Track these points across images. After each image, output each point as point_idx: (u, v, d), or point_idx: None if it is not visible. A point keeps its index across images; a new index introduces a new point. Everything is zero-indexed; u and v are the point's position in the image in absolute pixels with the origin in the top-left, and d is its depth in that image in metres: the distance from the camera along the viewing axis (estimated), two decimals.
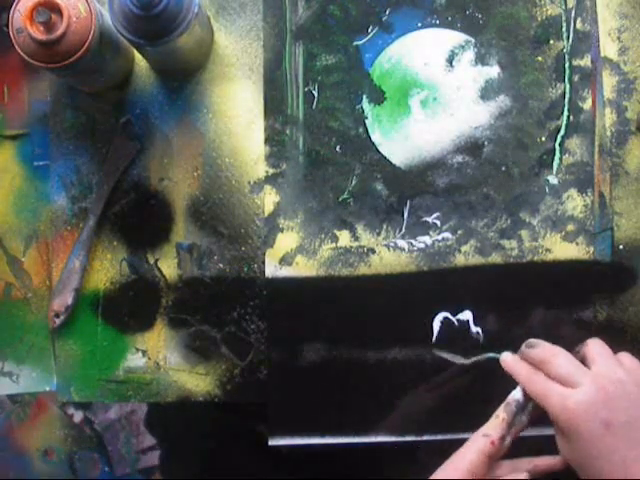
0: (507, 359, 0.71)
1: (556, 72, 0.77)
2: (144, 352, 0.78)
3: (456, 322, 0.77)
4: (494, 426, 0.69)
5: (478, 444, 0.68)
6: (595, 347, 0.68)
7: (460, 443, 0.76)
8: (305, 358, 0.77)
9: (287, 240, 0.77)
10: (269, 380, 0.77)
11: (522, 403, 0.69)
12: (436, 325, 0.77)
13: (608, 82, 0.77)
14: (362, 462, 0.77)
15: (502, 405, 0.69)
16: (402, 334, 0.77)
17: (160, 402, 0.78)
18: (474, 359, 0.76)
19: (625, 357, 0.68)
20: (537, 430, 0.76)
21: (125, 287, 0.78)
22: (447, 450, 0.74)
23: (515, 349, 0.76)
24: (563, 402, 0.65)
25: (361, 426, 0.77)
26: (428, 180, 0.77)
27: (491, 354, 0.75)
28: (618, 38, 0.77)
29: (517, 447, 0.76)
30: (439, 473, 0.67)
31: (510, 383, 0.70)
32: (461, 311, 0.77)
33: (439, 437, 0.75)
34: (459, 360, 0.76)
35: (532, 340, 0.70)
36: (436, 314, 0.77)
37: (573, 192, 0.77)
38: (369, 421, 0.77)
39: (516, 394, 0.70)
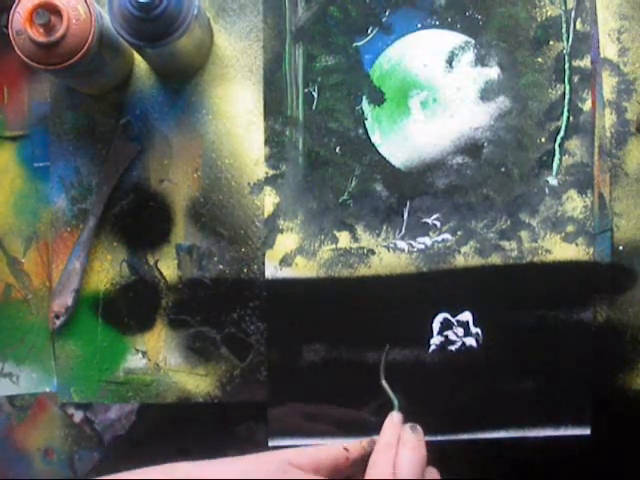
0: (394, 419, 0.73)
1: (556, 73, 0.77)
2: (144, 353, 0.78)
3: (456, 323, 0.77)
4: (355, 448, 0.71)
5: (336, 451, 0.70)
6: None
7: (460, 445, 0.76)
8: (305, 359, 0.77)
9: (287, 241, 0.77)
10: (269, 381, 0.77)
11: None
12: (436, 326, 0.77)
13: (608, 83, 0.77)
14: None
15: (370, 438, 0.71)
16: (402, 335, 0.77)
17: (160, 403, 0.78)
18: (384, 385, 0.76)
19: None
20: (536, 431, 0.76)
21: (125, 288, 0.78)
22: (445, 450, 0.74)
23: (514, 350, 0.77)
24: None
25: (361, 427, 0.77)
26: (428, 181, 0.77)
27: (395, 400, 0.75)
28: (618, 39, 0.77)
29: (519, 448, 0.76)
30: (290, 451, 0.69)
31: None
32: (461, 312, 0.77)
33: (438, 438, 0.76)
34: (396, 402, 0.75)
35: (418, 427, 0.71)
36: (436, 315, 0.77)
37: (573, 193, 0.77)
38: (369, 422, 0.77)
39: None
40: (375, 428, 0.72)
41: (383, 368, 0.76)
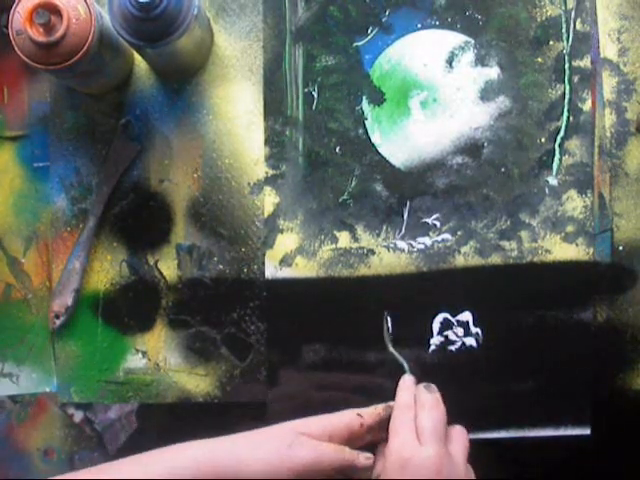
0: (407, 381, 0.73)
1: (556, 73, 0.77)
2: (144, 353, 0.78)
3: (456, 323, 0.77)
4: (370, 414, 0.70)
5: (350, 418, 0.69)
6: (465, 440, 0.70)
7: None
8: (305, 359, 0.77)
9: (287, 241, 0.77)
10: (269, 381, 0.77)
11: None
12: (436, 326, 0.77)
13: (608, 83, 0.77)
14: None
15: (385, 404, 0.71)
16: (402, 335, 0.77)
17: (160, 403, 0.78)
18: (392, 351, 0.76)
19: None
20: (536, 431, 0.76)
21: (125, 288, 0.78)
22: None
23: (514, 350, 0.77)
24: (402, 449, 0.66)
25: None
26: (428, 181, 0.77)
27: (405, 364, 0.76)
28: (618, 39, 0.77)
29: (519, 448, 0.76)
30: (300, 421, 0.69)
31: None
32: (461, 312, 0.77)
33: None
34: (406, 366, 0.76)
35: (432, 385, 0.71)
36: (436, 315, 0.77)
37: (573, 193, 0.77)
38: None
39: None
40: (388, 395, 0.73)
41: (388, 335, 0.76)
